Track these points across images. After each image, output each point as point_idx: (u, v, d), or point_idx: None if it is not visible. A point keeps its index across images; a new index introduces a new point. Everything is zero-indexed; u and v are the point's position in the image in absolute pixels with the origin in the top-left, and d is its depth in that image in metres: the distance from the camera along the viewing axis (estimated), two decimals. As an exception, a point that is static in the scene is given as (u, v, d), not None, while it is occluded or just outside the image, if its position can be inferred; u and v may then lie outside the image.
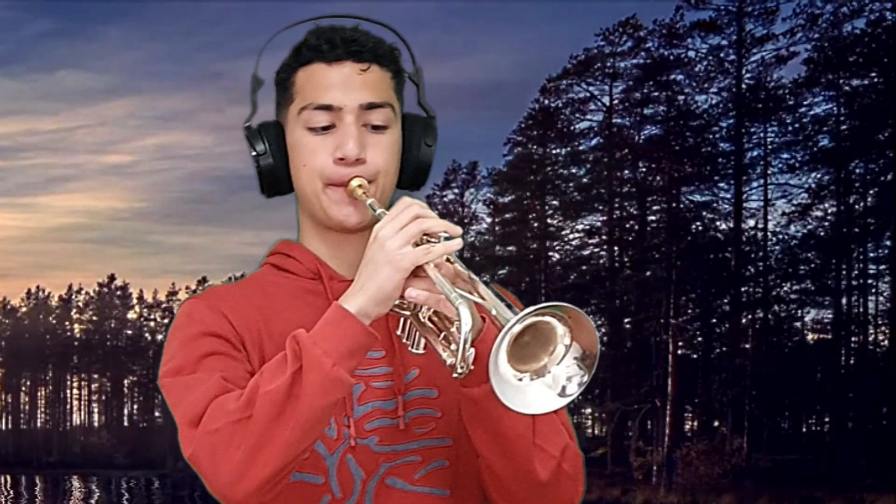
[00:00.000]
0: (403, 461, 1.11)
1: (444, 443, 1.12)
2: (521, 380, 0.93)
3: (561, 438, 1.08)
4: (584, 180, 34.29)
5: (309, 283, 1.16)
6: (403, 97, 1.18)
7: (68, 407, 68.56)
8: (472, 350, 0.95)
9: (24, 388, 69.66)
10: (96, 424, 67.86)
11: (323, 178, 1.12)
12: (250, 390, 0.99)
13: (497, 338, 0.89)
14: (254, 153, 1.16)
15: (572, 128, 34.37)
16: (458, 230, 1.00)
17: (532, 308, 0.90)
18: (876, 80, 26.19)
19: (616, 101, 32.86)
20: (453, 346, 0.98)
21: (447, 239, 0.99)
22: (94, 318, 66.66)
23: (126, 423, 66.30)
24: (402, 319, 1.07)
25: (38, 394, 69.71)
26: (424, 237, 1.00)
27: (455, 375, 0.96)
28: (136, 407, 66.63)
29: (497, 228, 38.06)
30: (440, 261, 0.99)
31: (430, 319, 1.03)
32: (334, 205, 1.13)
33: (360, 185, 1.10)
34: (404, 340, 1.07)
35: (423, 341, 1.05)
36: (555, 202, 35.58)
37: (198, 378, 1.06)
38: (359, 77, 1.11)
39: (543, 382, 0.94)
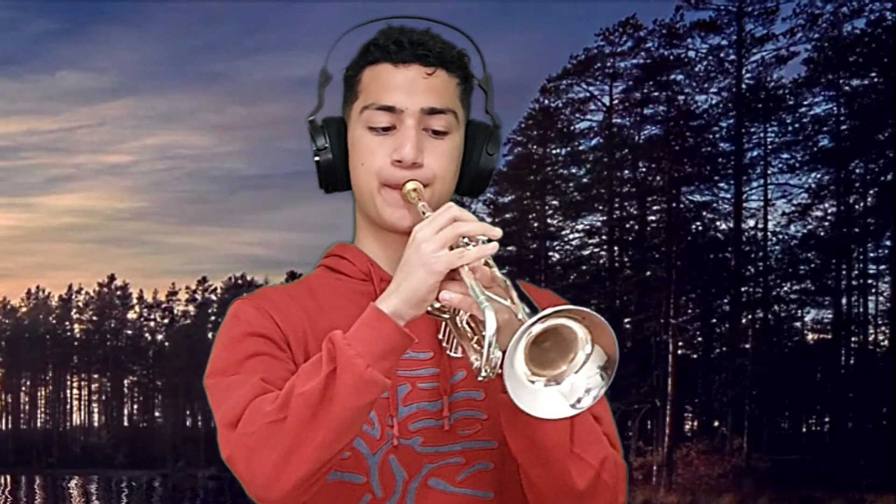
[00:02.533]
0: (446, 462, 1.11)
1: (489, 445, 1.12)
2: (533, 382, 0.93)
3: (601, 448, 1.07)
4: (584, 180, 34.20)
5: (360, 285, 1.17)
6: (470, 104, 1.17)
7: (68, 407, 68.56)
8: (499, 354, 0.93)
9: (24, 388, 69.64)
10: (96, 424, 67.78)
11: (379, 179, 1.13)
12: (286, 392, 1.00)
13: (515, 335, 0.89)
14: (314, 147, 1.16)
15: (572, 128, 34.28)
16: (498, 233, 0.99)
17: (551, 310, 0.90)
18: (876, 80, 26.15)
19: (616, 101, 32.80)
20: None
21: (485, 242, 0.98)
22: (94, 318, 66.61)
23: (126, 423, 66.21)
24: (442, 323, 1.06)
25: (38, 394, 69.70)
26: (462, 240, 0.99)
27: (480, 378, 0.96)
28: (136, 407, 66.62)
29: (497, 228, 38.02)
30: (477, 264, 0.98)
31: (467, 324, 1.02)
32: (388, 206, 1.13)
33: (414, 189, 1.10)
34: (444, 344, 1.07)
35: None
36: (555, 202, 35.50)
37: (238, 380, 1.06)
38: (424, 81, 1.11)
39: (558, 390, 0.94)
